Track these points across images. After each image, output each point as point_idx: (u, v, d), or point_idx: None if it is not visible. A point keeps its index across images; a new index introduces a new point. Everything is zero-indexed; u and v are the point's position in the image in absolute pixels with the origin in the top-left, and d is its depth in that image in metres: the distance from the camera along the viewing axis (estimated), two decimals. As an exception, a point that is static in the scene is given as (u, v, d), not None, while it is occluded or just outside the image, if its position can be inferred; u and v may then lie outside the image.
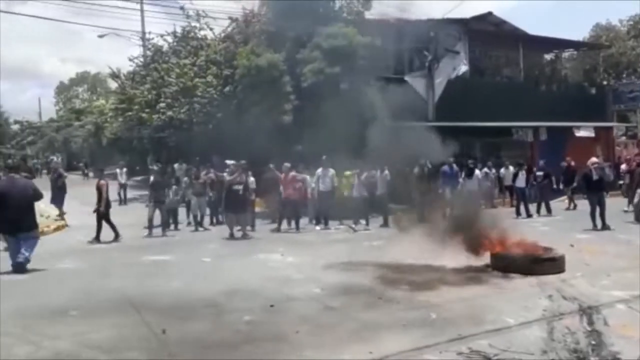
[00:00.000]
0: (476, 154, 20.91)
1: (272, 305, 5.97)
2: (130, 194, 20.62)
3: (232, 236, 11.53)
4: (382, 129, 16.02)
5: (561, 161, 18.78)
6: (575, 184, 16.14)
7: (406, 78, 19.52)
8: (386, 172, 13.61)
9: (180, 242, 11.22)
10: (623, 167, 18.45)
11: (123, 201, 19.49)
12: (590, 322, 5.16)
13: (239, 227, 11.78)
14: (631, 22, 39.30)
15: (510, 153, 21.73)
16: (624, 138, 29.75)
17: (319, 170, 13.39)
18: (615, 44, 34.47)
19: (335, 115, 15.02)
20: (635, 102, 24.67)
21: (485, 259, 8.02)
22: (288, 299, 6.30)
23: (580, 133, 23.25)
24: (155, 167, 14.76)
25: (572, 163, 17.49)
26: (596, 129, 23.64)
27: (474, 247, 7.94)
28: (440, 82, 19.96)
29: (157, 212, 12.18)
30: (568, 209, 16.44)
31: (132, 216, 14.09)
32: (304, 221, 13.12)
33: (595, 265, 7.93)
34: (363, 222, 13.24)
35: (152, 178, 12.78)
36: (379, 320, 5.41)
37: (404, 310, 5.73)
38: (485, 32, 22.65)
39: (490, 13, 23.56)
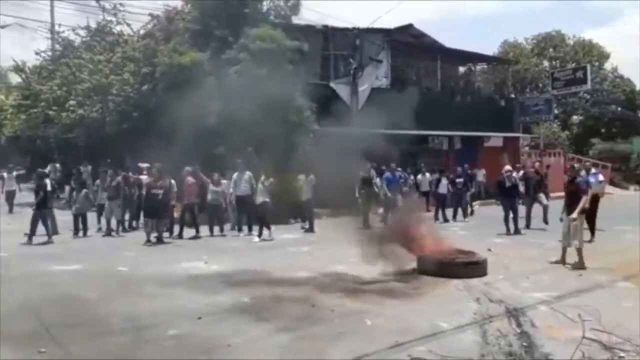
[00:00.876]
0: (395, 161, 21.53)
1: (199, 318, 5.60)
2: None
3: (148, 242, 10.89)
4: (308, 133, 16.04)
5: (474, 168, 19.79)
6: (473, 190, 16.85)
7: (331, 84, 19.67)
8: (311, 176, 13.52)
9: (92, 250, 10.36)
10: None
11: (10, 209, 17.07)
12: (519, 324, 5.31)
13: (155, 233, 11.19)
14: (535, 41, 42.62)
15: (427, 160, 22.54)
16: (527, 148, 32.02)
17: (235, 175, 12.86)
18: (521, 60, 37.15)
19: (261, 119, 14.75)
20: (539, 114, 26.59)
21: (412, 263, 8.14)
22: (216, 310, 5.94)
23: (490, 143, 24.73)
24: (45, 170, 14.04)
25: (469, 171, 18.23)
26: (504, 139, 25.24)
27: (405, 251, 8.02)
28: (364, 90, 20.31)
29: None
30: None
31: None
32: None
33: (514, 268, 8.29)
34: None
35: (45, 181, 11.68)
36: (315, 331, 5.24)
37: (339, 319, 5.59)
38: (407, 43, 23.37)
39: (411, 25, 24.38)
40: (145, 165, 13.70)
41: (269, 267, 8.43)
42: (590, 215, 10.59)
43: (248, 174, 12.47)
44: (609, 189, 27.24)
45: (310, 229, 13.04)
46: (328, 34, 20.10)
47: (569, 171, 9.18)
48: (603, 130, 38.95)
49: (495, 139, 24.71)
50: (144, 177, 13.18)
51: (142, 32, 19.14)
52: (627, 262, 8.47)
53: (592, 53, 40.78)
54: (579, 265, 8.17)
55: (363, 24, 21.62)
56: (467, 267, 7.64)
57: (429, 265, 7.83)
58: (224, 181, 13.01)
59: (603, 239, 11.06)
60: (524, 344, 4.71)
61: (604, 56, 41.46)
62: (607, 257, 8.80)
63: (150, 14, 18.48)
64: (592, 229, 11.20)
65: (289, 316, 5.72)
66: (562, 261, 8.47)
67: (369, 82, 20.72)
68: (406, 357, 4.44)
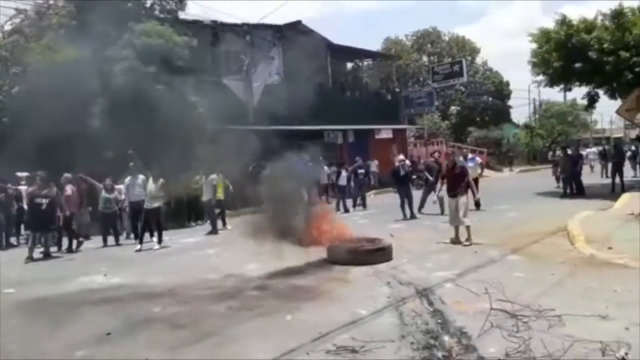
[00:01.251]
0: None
1: (108, 334, 5.19)
2: None
3: (30, 258, 9.90)
4: (204, 132, 15.55)
5: (367, 160, 20.58)
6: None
7: (224, 81, 19.28)
8: (212, 176, 13.17)
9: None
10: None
11: None
12: (430, 303, 5.60)
13: (42, 248, 10.23)
14: (414, 37, 45.29)
15: (323, 154, 23.02)
16: (412, 138, 34.01)
17: (128, 179, 11.92)
18: (403, 55, 39.27)
19: (152, 118, 14.04)
20: (422, 107, 28.33)
21: (322, 253, 8.26)
22: (126, 324, 5.55)
23: (381, 135, 25.88)
24: None
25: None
26: (393, 131, 26.55)
27: (311, 242, 8.10)
28: (258, 86, 20.18)
29: None
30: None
31: None
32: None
33: (416, 251, 8.73)
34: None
35: None
36: (235, 332, 5.09)
37: (258, 318, 5.50)
38: (296, 39, 23.57)
39: (299, 22, 24.62)
40: (24, 174, 12.41)
41: (176, 273, 8.07)
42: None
43: (141, 177, 11.64)
44: (485, 172, 29.84)
45: (214, 231, 12.68)
46: (217, 29, 19.67)
47: (449, 158, 9.87)
48: (478, 119, 42.48)
49: (385, 131, 25.89)
50: (23, 187, 11.97)
51: (7, 28, 17.27)
52: (512, 237, 9.32)
53: (465, 48, 44.26)
54: (470, 241, 8.85)
55: (253, 20, 21.37)
56: (375, 253, 7.92)
57: (338, 254, 8.00)
58: (118, 187, 12.17)
59: (486, 217, 12.03)
60: (439, 321, 4.97)
61: (475, 51, 45.21)
62: (493, 234, 9.59)
63: (17, 9, 16.74)
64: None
65: (206, 321, 5.50)
66: (457, 240, 9.09)
67: (263, 78, 20.65)
68: (331, 346, 4.48)
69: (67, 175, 11.97)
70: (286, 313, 5.56)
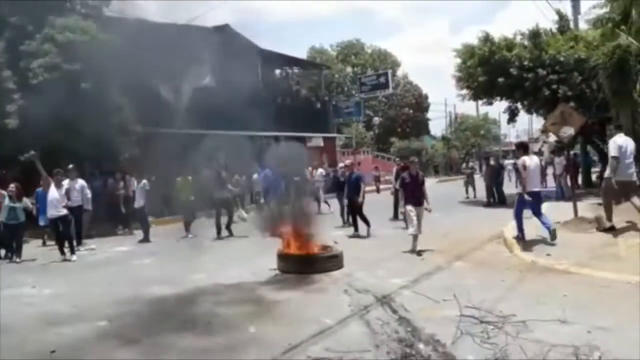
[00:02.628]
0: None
1: (53, 351, 4.66)
2: None
3: None
4: (130, 135, 14.73)
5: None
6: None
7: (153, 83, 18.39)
8: (144, 182, 12.46)
9: None
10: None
11: None
12: (394, 311, 5.58)
13: None
14: (339, 48, 46.15)
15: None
16: (339, 148, 34.50)
17: (66, 182, 10.83)
18: (331, 65, 39.85)
19: (76, 118, 13.07)
20: (350, 116, 28.87)
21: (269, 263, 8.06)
22: (71, 340, 5.01)
23: (312, 143, 25.98)
24: None
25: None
26: (324, 139, 26.76)
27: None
28: (187, 90, 19.46)
29: None
30: None
31: None
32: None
33: (364, 258, 8.73)
34: None
35: None
36: (196, 346, 4.77)
37: (222, 331, 5.19)
38: (225, 42, 23.07)
39: (227, 25, 24.15)
40: None
41: (115, 284, 7.48)
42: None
43: (81, 181, 10.92)
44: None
45: (146, 239, 11.97)
46: (143, 28, 18.74)
47: (412, 167, 9.59)
48: (399, 130, 44.02)
49: (316, 139, 26.02)
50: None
51: None
52: (452, 244, 9.62)
53: (387, 61, 45.78)
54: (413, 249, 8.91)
55: (181, 21, 20.59)
56: (327, 261, 7.82)
57: (290, 263, 7.83)
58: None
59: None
60: (408, 328, 4.95)
61: (396, 64, 46.88)
62: (433, 242, 9.79)
63: None
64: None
65: (161, 335, 5.11)
66: (415, 249, 8.89)
67: (192, 81, 19.96)
68: (305, 357, 4.31)
69: None
70: (249, 325, 5.30)
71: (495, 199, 17.02)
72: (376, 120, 44.90)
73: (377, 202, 16.19)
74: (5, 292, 7.27)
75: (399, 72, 47.54)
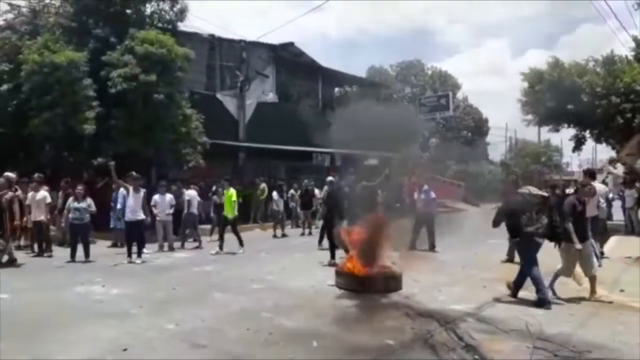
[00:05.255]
0: (281, 176, 21.61)
1: (125, 349, 4.85)
2: None
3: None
4: (197, 145, 15.26)
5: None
6: (314, 208, 16.63)
7: (218, 95, 19.08)
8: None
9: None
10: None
11: None
12: (460, 337, 5.44)
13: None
14: (398, 68, 46.10)
15: (311, 176, 22.93)
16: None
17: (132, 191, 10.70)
18: (390, 85, 39.85)
19: (147, 127, 13.74)
20: (408, 136, 28.65)
21: (328, 277, 8.07)
22: (141, 340, 5.20)
23: (369, 161, 25.92)
24: None
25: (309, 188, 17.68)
26: (379, 158, 26.64)
27: None
28: (251, 103, 20.03)
29: None
30: (303, 234, 16.20)
31: None
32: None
33: (424, 281, 8.57)
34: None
35: None
36: (265, 355, 4.83)
37: (284, 343, 5.23)
38: (290, 60, 23.62)
39: (292, 43, 24.71)
40: (11, 175, 11.79)
41: (179, 289, 7.71)
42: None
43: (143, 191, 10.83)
44: (463, 206, 30.39)
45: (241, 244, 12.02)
46: (214, 43, 19.55)
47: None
48: (456, 153, 43.15)
49: (372, 158, 25.91)
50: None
51: (-1, 23, 16.72)
52: (514, 272, 9.28)
53: (447, 83, 45.26)
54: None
55: (250, 37, 21.29)
56: (387, 281, 7.74)
57: (348, 280, 7.80)
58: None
59: (482, 251, 12.00)
60: (476, 357, 4.81)
61: (456, 86, 46.25)
62: (495, 269, 9.53)
63: (10, 4, 16.24)
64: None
65: (228, 339, 5.21)
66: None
67: (256, 96, 20.53)
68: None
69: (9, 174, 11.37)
70: (310, 339, 5.31)
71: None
72: (433, 141, 44.29)
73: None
74: (77, 289, 7.66)
75: (459, 95, 46.85)
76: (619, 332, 5.66)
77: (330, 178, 11.67)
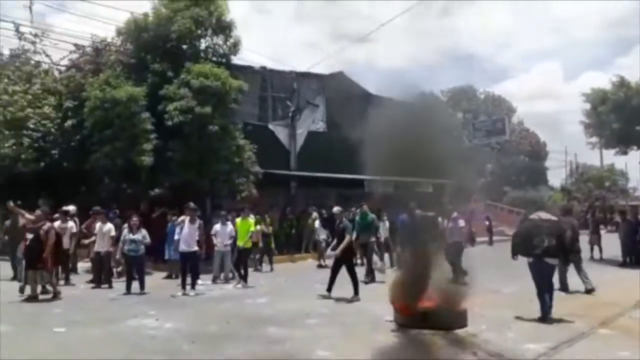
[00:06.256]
0: (333, 203, 21.36)
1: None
2: None
3: (33, 297, 9.25)
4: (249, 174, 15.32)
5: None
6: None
7: (270, 126, 19.26)
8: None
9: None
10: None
11: None
12: (537, 383, 4.92)
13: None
14: (450, 93, 45.47)
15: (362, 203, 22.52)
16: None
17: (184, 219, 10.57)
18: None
19: (202, 158, 13.93)
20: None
21: (386, 313, 7.65)
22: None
23: (420, 188, 25.32)
24: None
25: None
26: (433, 185, 26.00)
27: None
28: (301, 133, 20.10)
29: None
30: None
31: None
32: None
33: (490, 316, 7.99)
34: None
35: None
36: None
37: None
38: (339, 89, 23.60)
39: (341, 72, 24.77)
40: (71, 207, 12.19)
41: (232, 323, 7.52)
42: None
43: (199, 221, 10.66)
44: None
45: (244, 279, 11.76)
46: (266, 75, 19.84)
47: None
48: (514, 179, 41.75)
49: (426, 184, 25.32)
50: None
51: (64, 62, 17.69)
52: (588, 307, 8.54)
53: (501, 107, 44.14)
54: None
55: (300, 68, 21.57)
56: (450, 317, 7.24)
57: (409, 316, 7.36)
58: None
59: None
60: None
61: (511, 110, 45.04)
62: (564, 303, 8.75)
63: (76, 44, 17.15)
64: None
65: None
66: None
67: (306, 125, 20.60)
68: None
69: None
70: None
71: (632, 259, 15.11)
72: (489, 167, 43.05)
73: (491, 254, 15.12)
74: (131, 322, 7.61)
75: (514, 119, 45.55)
76: None
77: (336, 209, 10.76)
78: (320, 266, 15.24)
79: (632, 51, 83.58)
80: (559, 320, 7.60)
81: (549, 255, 7.61)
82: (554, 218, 8.04)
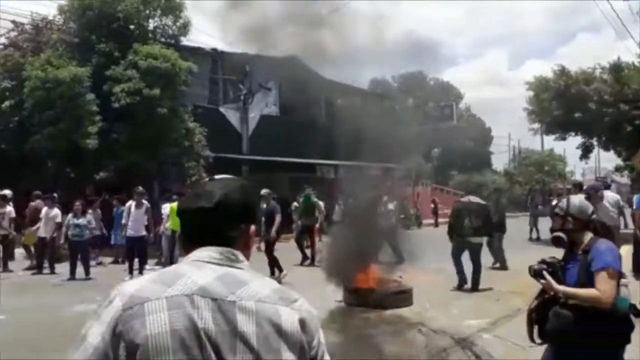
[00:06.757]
0: (285, 188, 21.42)
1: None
2: None
3: None
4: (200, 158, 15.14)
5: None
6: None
7: (221, 109, 19.01)
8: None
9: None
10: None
11: None
12: (477, 356, 5.22)
13: None
14: (401, 79, 46.13)
15: (315, 188, 22.70)
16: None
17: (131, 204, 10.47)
18: (393, 97, 39.84)
19: (150, 141, 13.62)
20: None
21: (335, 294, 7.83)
22: None
23: (370, 172, 25.76)
24: None
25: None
26: (383, 169, 26.49)
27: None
28: (254, 117, 19.96)
29: None
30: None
31: None
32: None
33: (434, 295, 8.33)
34: None
35: None
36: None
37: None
38: (293, 72, 23.50)
39: (294, 56, 24.59)
40: (7, 191, 11.66)
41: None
42: None
43: (146, 203, 10.48)
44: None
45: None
46: (217, 57, 19.50)
47: None
48: (459, 163, 43.10)
49: (374, 169, 25.78)
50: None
51: (1, 40, 16.71)
52: (529, 285, 9.01)
53: (450, 94, 45.25)
54: None
55: (252, 51, 21.24)
56: (397, 296, 7.51)
57: (357, 296, 7.57)
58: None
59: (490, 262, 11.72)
60: (495, 376, 4.58)
61: (459, 97, 46.25)
62: (506, 281, 9.25)
63: (14, 22, 16.23)
64: None
65: None
66: None
67: (259, 109, 20.47)
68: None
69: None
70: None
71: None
72: (436, 152, 44.18)
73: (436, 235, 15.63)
74: (77, 308, 7.45)
75: (461, 105, 46.83)
76: None
77: (264, 191, 10.56)
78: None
79: (573, 41, 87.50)
80: (499, 297, 8.05)
81: (475, 235, 8.45)
82: (481, 201, 8.97)
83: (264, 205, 10.28)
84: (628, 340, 2.74)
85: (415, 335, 5.99)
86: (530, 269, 2.94)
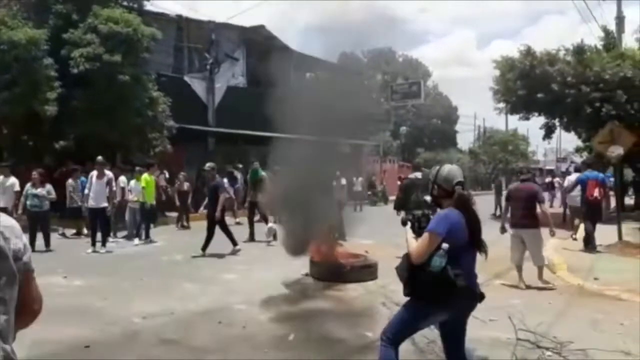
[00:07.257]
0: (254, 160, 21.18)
1: (87, 346, 4.53)
2: None
3: None
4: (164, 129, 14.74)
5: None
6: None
7: (186, 78, 18.50)
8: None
9: None
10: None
11: None
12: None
13: None
14: (370, 54, 45.93)
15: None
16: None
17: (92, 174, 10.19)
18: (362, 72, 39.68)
19: (111, 109, 13.14)
20: (379, 124, 28.60)
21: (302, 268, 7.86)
22: (105, 336, 4.88)
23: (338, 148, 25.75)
24: None
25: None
26: (352, 145, 26.53)
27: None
28: (220, 87, 19.52)
29: None
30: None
31: None
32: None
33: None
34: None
35: None
36: (240, 352, 4.59)
37: (260, 336, 5.00)
38: (260, 43, 23.06)
39: (262, 26, 24.11)
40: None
41: (146, 280, 7.37)
42: None
43: (109, 174, 10.22)
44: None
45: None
46: (182, 24, 18.90)
47: None
48: (426, 141, 43.62)
49: (345, 145, 25.76)
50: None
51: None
52: (488, 261, 9.26)
53: (418, 71, 45.40)
54: None
55: (219, 18, 20.66)
56: (362, 270, 7.58)
57: (322, 269, 7.61)
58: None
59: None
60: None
61: (427, 74, 46.48)
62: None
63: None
64: None
65: (197, 337, 4.94)
66: None
67: (226, 79, 20.03)
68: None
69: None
70: (286, 333, 5.10)
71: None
72: (403, 129, 44.52)
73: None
74: (36, 281, 7.19)
75: (429, 83, 47.12)
76: (597, 320, 5.64)
77: (207, 165, 10.29)
78: (237, 223, 15.18)
79: (539, 22, 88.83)
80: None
81: (418, 208, 8.53)
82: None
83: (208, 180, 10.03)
84: (436, 300, 3.10)
85: (378, 309, 6.06)
86: (401, 219, 3.36)
